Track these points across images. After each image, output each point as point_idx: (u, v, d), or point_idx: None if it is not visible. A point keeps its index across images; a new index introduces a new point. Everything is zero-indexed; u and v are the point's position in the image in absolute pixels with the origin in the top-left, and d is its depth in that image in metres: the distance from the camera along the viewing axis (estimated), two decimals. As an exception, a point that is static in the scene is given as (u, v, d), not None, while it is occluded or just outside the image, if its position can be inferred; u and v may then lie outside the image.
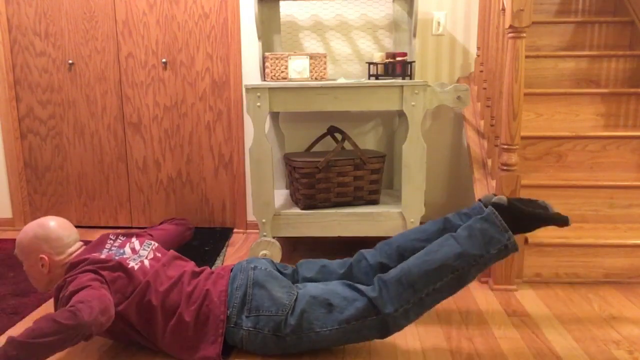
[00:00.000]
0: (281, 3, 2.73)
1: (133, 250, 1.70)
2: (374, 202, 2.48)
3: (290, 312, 1.56)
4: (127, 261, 1.62)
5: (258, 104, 2.26)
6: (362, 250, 1.78)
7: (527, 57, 2.79)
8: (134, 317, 1.57)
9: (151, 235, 1.89)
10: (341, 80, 2.31)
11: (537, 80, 2.85)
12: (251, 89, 2.25)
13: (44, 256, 1.64)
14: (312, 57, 2.40)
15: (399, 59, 2.42)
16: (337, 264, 1.79)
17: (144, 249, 1.72)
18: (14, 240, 2.86)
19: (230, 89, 2.87)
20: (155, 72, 2.91)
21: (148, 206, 3.06)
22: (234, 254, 2.65)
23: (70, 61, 2.92)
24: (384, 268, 1.71)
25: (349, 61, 2.81)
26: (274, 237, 2.40)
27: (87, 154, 3.04)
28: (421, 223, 2.15)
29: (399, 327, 1.56)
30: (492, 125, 2.40)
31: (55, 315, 1.33)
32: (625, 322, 1.84)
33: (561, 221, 1.58)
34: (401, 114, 2.69)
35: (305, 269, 1.79)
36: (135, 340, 1.62)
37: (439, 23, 2.74)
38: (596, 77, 2.83)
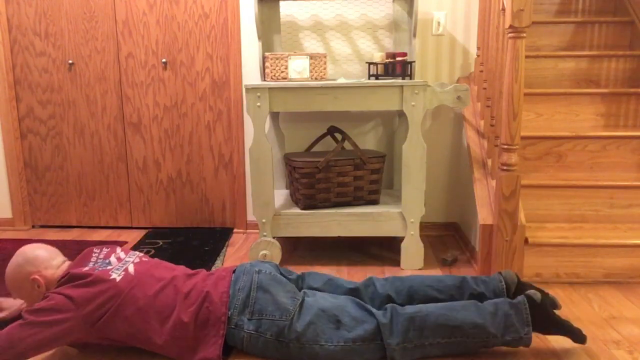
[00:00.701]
0: (281, 3, 2.73)
1: (118, 259, 1.69)
2: (374, 202, 2.48)
3: (295, 319, 1.55)
4: (110, 272, 1.60)
5: (258, 104, 2.26)
6: (373, 277, 1.79)
7: (527, 57, 2.79)
8: (122, 329, 1.55)
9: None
10: (341, 80, 2.31)
11: (537, 80, 2.85)
12: (251, 89, 2.25)
13: (35, 277, 1.62)
14: (312, 57, 2.40)
15: (399, 59, 2.42)
16: (344, 280, 1.80)
17: (129, 257, 1.72)
18: (14, 240, 2.86)
19: (230, 89, 2.87)
20: (155, 72, 2.91)
21: (148, 206, 3.06)
22: (234, 254, 2.65)
23: (70, 61, 2.93)
24: (390, 300, 1.72)
25: (349, 61, 2.81)
26: (274, 237, 2.40)
27: (87, 154, 3.03)
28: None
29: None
30: (492, 125, 2.39)
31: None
32: (625, 322, 1.84)
33: (580, 339, 1.60)
34: (401, 114, 2.69)
35: (311, 279, 1.79)
36: (131, 344, 1.62)
37: (439, 23, 2.74)
38: (596, 77, 2.83)
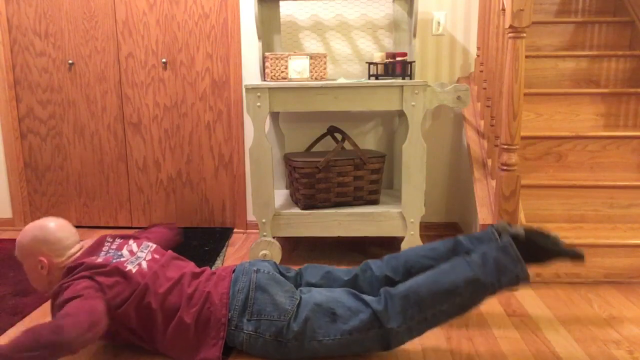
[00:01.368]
0: (281, 3, 2.73)
1: (131, 252, 1.69)
2: (374, 202, 2.48)
3: (293, 318, 1.55)
4: (125, 264, 1.61)
5: (258, 104, 2.26)
6: (369, 261, 1.78)
7: (527, 57, 2.79)
8: (133, 320, 1.56)
9: (148, 238, 1.89)
10: (341, 80, 2.31)
11: (537, 80, 2.85)
12: (251, 89, 2.25)
13: (43, 259, 1.63)
14: (312, 57, 2.40)
15: (399, 59, 2.42)
16: (342, 271, 1.79)
17: (141, 251, 1.71)
18: (14, 240, 2.86)
19: (230, 89, 2.87)
20: (155, 72, 2.91)
21: (148, 206, 3.06)
22: (234, 254, 2.65)
23: (70, 61, 2.93)
24: (389, 281, 1.71)
25: (349, 61, 2.81)
26: (274, 237, 2.40)
27: (87, 154, 3.04)
28: (428, 236, 2.14)
29: (400, 343, 1.55)
30: (492, 125, 2.40)
31: (39, 330, 1.33)
32: (625, 322, 1.84)
33: (576, 256, 1.59)
34: (401, 114, 2.69)
35: (309, 274, 1.78)
36: (133, 342, 1.62)
37: (439, 23, 2.74)
38: (596, 77, 2.83)
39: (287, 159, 2.50)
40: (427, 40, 2.77)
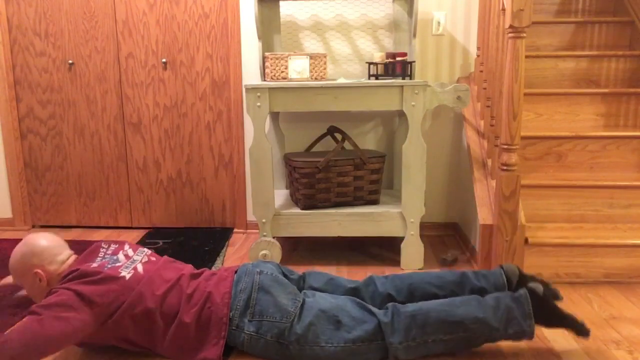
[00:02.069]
0: (281, 3, 2.73)
1: (127, 256, 1.68)
2: (374, 202, 2.48)
3: (296, 321, 1.55)
4: (119, 270, 1.59)
5: (258, 104, 2.26)
6: (373, 276, 1.79)
7: (527, 57, 2.79)
8: (130, 329, 1.55)
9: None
10: (341, 80, 2.31)
11: (537, 80, 2.85)
12: (251, 89, 2.25)
13: (38, 270, 1.62)
14: (312, 57, 2.40)
15: (399, 59, 2.42)
16: (345, 280, 1.80)
17: (137, 255, 1.71)
18: (14, 240, 2.86)
19: (230, 89, 2.87)
20: (155, 72, 2.91)
21: (148, 206, 3.06)
22: (234, 254, 2.65)
23: (70, 61, 2.93)
24: (390, 299, 1.71)
25: (349, 61, 2.81)
26: (274, 237, 2.40)
27: (87, 154, 3.04)
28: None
29: (396, 359, 1.55)
30: (492, 125, 2.39)
31: None
32: (625, 322, 1.84)
33: (583, 333, 1.58)
34: (401, 114, 2.69)
35: (313, 279, 1.78)
36: (134, 350, 1.62)
37: (439, 23, 2.74)
38: (596, 77, 2.83)
39: (287, 159, 2.50)
40: (427, 40, 2.77)
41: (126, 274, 1.59)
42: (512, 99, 2.04)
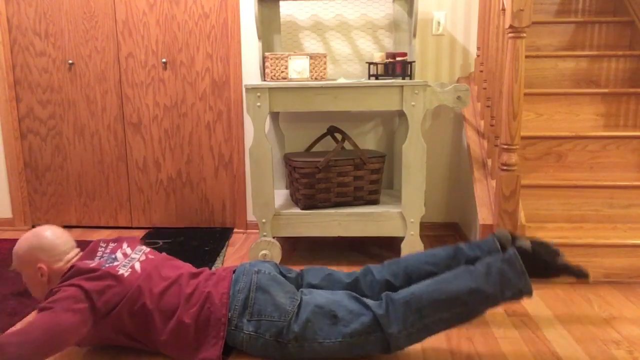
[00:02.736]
0: (281, 3, 2.73)
1: (125, 255, 1.68)
2: (374, 202, 2.48)
3: (293, 319, 1.55)
4: (117, 268, 1.59)
5: (258, 104, 2.26)
6: (370, 265, 1.78)
7: (527, 57, 2.79)
8: (128, 324, 1.56)
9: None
10: (341, 80, 2.31)
11: (537, 80, 2.85)
12: (251, 89, 2.25)
13: (42, 265, 1.61)
14: (312, 57, 2.40)
15: (399, 59, 2.42)
16: (343, 274, 1.79)
17: (135, 253, 1.71)
18: (14, 240, 2.86)
19: (230, 89, 2.87)
20: (155, 72, 2.91)
21: (148, 206, 3.06)
22: (234, 254, 2.65)
23: (70, 61, 2.93)
24: (389, 285, 1.70)
25: (349, 61, 2.81)
26: (274, 237, 2.40)
27: (87, 154, 3.04)
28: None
29: (400, 348, 1.55)
30: (492, 125, 2.40)
31: None
32: (625, 322, 1.84)
33: (581, 274, 1.57)
34: (401, 114, 2.69)
35: (310, 276, 1.78)
36: (134, 346, 1.62)
37: (439, 23, 2.74)
38: (596, 77, 2.83)
39: (287, 159, 2.50)
40: (427, 40, 2.77)
41: (124, 272, 1.59)
42: (512, 99, 2.04)
